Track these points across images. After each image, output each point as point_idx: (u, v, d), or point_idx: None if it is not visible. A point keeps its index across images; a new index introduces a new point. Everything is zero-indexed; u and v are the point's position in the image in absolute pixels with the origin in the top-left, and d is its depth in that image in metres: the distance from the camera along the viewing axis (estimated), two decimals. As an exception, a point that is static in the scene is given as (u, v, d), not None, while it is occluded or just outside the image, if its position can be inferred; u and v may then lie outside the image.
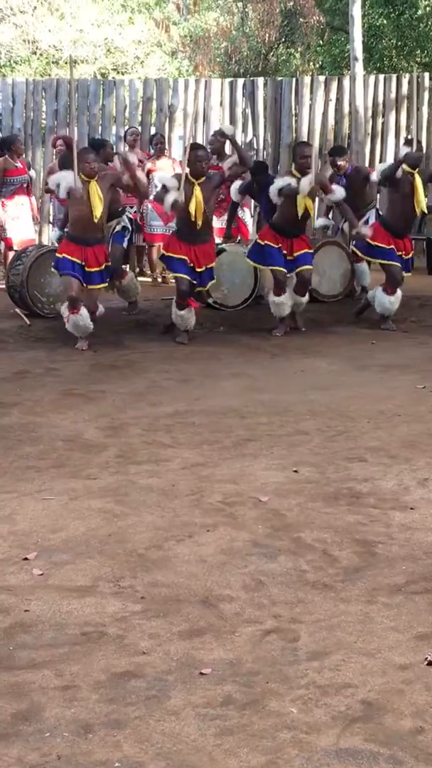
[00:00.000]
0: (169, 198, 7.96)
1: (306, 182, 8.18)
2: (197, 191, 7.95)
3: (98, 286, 8.14)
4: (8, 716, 2.76)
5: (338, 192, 8.71)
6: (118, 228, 9.13)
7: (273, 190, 8.45)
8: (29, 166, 11.76)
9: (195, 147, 8.32)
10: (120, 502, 4.45)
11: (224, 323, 9.02)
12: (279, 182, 8.54)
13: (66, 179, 7.89)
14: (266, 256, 8.57)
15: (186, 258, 8.11)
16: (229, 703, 2.83)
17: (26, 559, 3.82)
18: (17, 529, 4.14)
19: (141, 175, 8.51)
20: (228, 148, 9.71)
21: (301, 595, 3.53)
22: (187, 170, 8.06)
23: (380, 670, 3.01)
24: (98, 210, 7.83)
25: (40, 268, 8.93)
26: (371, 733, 2.68)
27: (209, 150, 9.28)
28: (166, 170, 10.74)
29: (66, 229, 8.30)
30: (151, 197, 10.30)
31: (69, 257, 7.90)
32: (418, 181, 8.48)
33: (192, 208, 7.94)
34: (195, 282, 8.24)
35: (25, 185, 10.76)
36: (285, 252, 8.50)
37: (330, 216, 10.82)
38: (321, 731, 2.69)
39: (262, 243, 8.59)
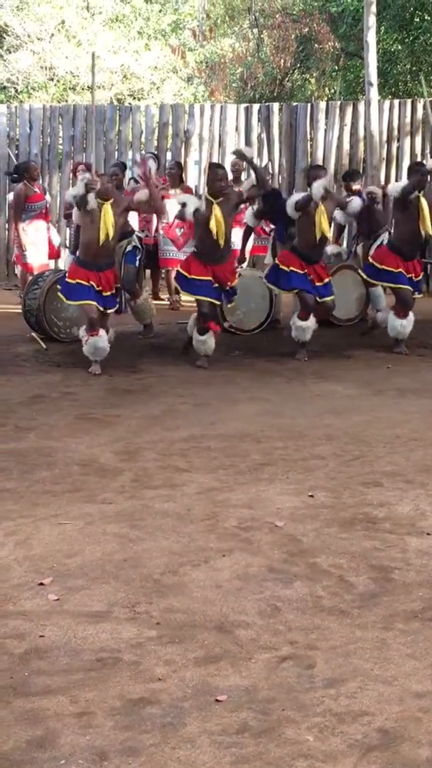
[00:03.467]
0: (190, 206, 8.01)
1: (317, 185, 8.21)
2: (216, 210, 7.98)
3: (112, 310, 8.18)
4: (23, 743, 2.75)
5: (355, 203, 8.77)
6: (129, 248, 9.17)
7: (290, 204, 8.49)
8: (45, 191, 11.86)
9: (214, 166, 8.37)
10: (135, 527, 4.44)
11: (240, 347, 9.03)
12: (294, 196, 8.61)
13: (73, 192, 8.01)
14: (293, 280, 8.57)
15: (211, 279, 8.13)
16: (244, 730, 2.81)
17: (42, 584, 3.82)
18: (33, 553, 4.14)
19: (157, 192, 8.59)
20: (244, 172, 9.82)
21: (317, 622, 3.51)
22: (206, 190, 8.09)
23: (397, 697, 2.99)
24: (110, 234, 7.85)
25: (57, 292, 8.96)
26: (388, 761, 2.66)
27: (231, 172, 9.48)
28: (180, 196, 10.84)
29: (77, 254, 8.35)
30: (163, 222, 10.39)
31: (82, 282, 7.93)
32: (424, 203, 8.51)
33: (213, 226, 7.96)
34: (219, 302, 8.29)
35: (43, 210, 10.84)
36: (312, 277, 8.53)
37: (345, 242, 10.87)
38: (337, 760, 2.67)
39: (287, 269, 8.58)
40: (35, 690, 3.04)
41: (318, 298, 8.55)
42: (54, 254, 11.17)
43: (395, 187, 8.73)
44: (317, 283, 8.55)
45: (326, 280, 8.62)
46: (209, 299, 8.15)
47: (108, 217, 7.83)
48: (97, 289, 7.96)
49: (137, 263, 9.30)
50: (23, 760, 2.67)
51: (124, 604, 3.64)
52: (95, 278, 7.96)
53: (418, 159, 13.64)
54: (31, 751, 2.71)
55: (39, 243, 10.71)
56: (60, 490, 4.99)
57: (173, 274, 11.23)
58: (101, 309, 7.99)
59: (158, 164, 11.66)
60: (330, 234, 8.83)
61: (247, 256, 10.43)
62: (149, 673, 3.14)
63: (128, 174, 13.07)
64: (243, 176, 10.88)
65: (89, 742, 2.76)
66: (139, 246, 9.36)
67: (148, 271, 11.32)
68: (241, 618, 3.53)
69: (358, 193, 9.62)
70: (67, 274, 8.23)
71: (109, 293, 8.06)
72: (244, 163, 9.79)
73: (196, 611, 3.59)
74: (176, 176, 11.26)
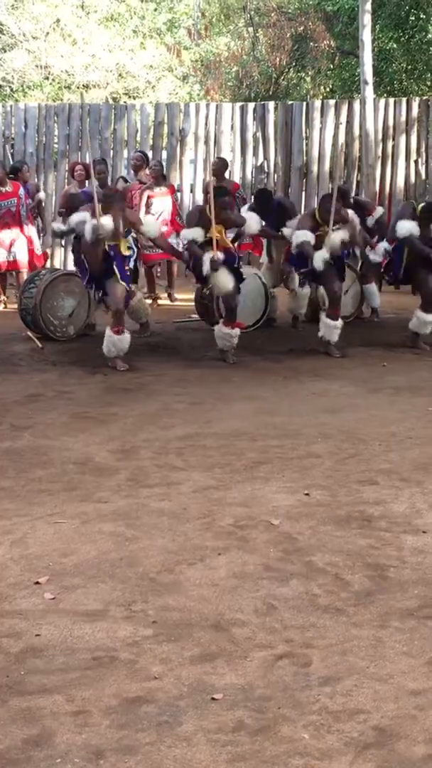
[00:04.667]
0: (206, 259, 8.07)
1: (337, 239, 8.24)
2: (222, 238, 8.20)
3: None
4: (19, 741, 2.75)
5: (335, 239, 8.53)
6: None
7: (295, 242, 8.49)
8: (38, 189, 11.89)
9: (221, 194, 8.40)
10: (131, 526, 4.44)
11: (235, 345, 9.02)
12: (299, 235, 8.49)
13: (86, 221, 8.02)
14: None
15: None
16: (240, 728, 2.82)
17: (38, 583, 3.82)
18: (29, 552, 4.14)
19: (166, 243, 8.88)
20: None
21: (313, 620, 3.52)
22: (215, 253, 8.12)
23: (393, 695, 3.00)
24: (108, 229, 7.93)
25: (54, 291, 8.97)
26: (384, 759, 2.66)
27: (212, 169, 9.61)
28: (162, 197, 10.88)
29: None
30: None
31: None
32: None
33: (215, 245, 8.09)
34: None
35: (13, 209, 10.88)
36: None
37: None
38: (333, 758, 2.67)
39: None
40: (31, 689, 3.04)
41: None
42: (41, 260, 11.19)
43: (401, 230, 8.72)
44: None
45: None
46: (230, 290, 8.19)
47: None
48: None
49: (131, 263, 9.29)
50: (19, 758, 2.67)
51: (120, 602, 3.65)
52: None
53: (413, 157, 13.69)
54: (27, 749, 2.71)
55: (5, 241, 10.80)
56: (56, 488, 4.99)
57: (156, 269, 11.32)
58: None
59: (146, 162, 11.67)
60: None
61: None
62: (145, 671, 3.14)
63: (123, 173, 13.10)
64: (226, 174, 11.02)
65: (85, 740, 2.76)
66: (134, 247, 9.36)
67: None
68: (237, 616, 3.54)
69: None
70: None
71: None
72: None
73: (192, 610, 3.59)
74: (159, 175, 11.25)
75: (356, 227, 8.64)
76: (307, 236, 8.35)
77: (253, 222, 8.75)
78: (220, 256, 8.01)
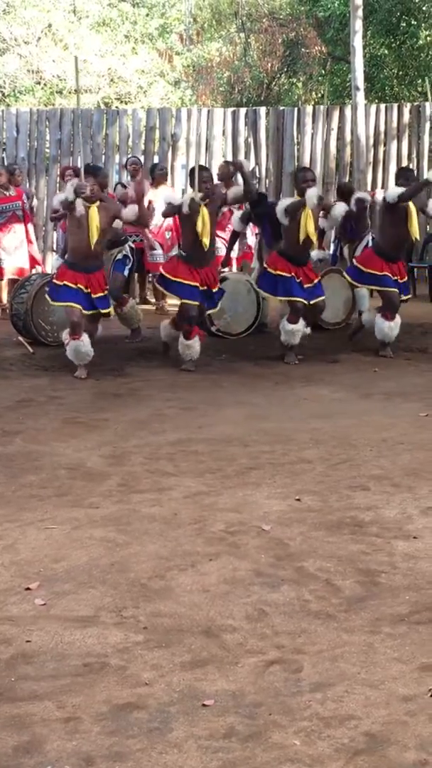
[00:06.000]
0: (186, 198, 8.01)
1: (312, 192, 8.22)
2: (204, 211, 7.99)
3: (107, 311, 8.17)
4: (9, 749, 2.74)
5: (339, 207, 8.78)
6: (119, 256, 9.19)
7: (280, 209, 8.48)
8: (31, 195, 11.88)
9: (201, 169, 8.38)
10: (122, 531, 4.44)
11: (227, 351, 9.04)
12: (284, 201, 8.62)
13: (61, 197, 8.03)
14: (281, 286, 8.56)
15: (197, 284, 8.13)
16: (231, 735, 2.81)
17: (28, 588, 3.81)
18: (19, 558, 4.13)
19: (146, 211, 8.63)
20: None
21: (304, 626, 3.51)
22: (195, 191, 8.06)
23: (384, 701, 2.99)
24: (94, 238, 7.83)
25: (45, 296, 8.96)
26: (375, 765, 2.66)
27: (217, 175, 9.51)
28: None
29: (65, 257, 8.36)
30: (152, 225, 10.43)
31: (70, 284, 7.92)
32: (412, 207, 8.54)
33: (199, 226, 7.97)
34: (206, 306, 8.29)
35: (18, 213, 10.88)
36: (300, 279, 8.53)
37: (331, 247, 10.92)
38: (324, 764, 2.67)
39: (275, 273, 8.58)
40: (21, 695, 3.03)
41: (308, 301, 8.55)
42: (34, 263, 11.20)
43: (393, 193, 8.67)
44: (306, 285, 8.55)
45: (315, 280, 8.63)
46: (195, 302, 8.14)
47: (94, 220, 7.82)
48: (86, 291, 7.96)
49: (126, 272, 9.31)
50: (9, 766, 2.66)
51: (111, 608, 3.64)
52: (84, 280, 7.95)
53: (404, 163, 13.72)
54: (17, 756, 2.70)
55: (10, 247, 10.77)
56: (47, 494, 4.98)
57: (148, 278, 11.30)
58: (86, 312, 7.98)
59: (141, 167, 11.68)
60: (315, 237, 8.85)
61: (234, 262, 10.45)
62: (136, 677, 3.14)
63: (115, 178, 13.10)
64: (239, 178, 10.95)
65: (76, 747, 2.75)
66: (130, 256, 9.38)
67: (136, 274, 11.33)
68: (228, 622, 3.53)
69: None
70: (55, 276, 8.22)
71: (100, 294, 8.05)
72: (231, 169, 9.83)
73: (183, 616, 3.58)
74: (162, 179, 11.25)
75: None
76: (288, 200, 8.48)
77: (235, 189, 8.72)
78: (199, 195, 7.96)
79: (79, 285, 7.93)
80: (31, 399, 7.14)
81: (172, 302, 11.02)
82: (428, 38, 17.66)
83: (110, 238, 8.56)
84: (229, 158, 13.86)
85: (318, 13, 17.60)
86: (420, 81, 18.24)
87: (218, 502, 4.86)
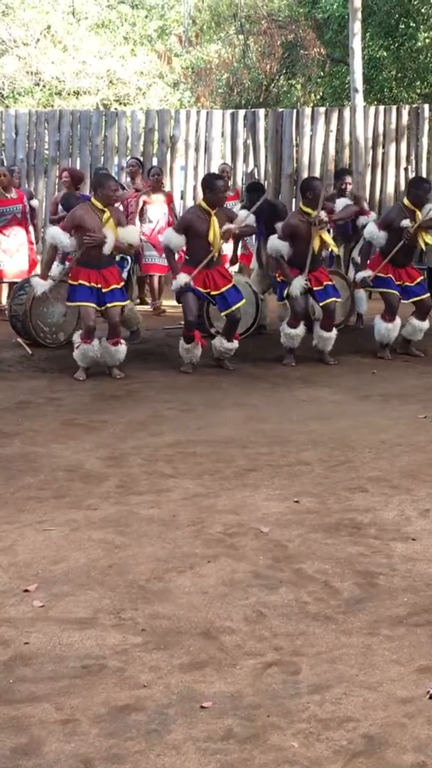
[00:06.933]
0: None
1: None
2: (214, 221, 8.03)
3: (121, 303, 8.16)
4: (7, 751, 2.74)
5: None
6: (117, 258, 9.17)
7: (275, 242, 8.59)
8: (31, 196, 11.86)
9: (214, 177, 8.40)
10: (121, 533, 4.44)
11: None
12: (280, 231, 8.70)
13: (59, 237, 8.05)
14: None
15: (200, 288, 8.15)
16: (230, 737, 2.81)
17: (27, 590, 3.81)
18: (18, 560, 4.13)
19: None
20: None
21: (303, 627, 3.51)
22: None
23: (382, 703, 2.99)
24: (111, 241, 7.89)
25: (43, 297, 8.96)
26: (373, 767, 2.66)
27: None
28: (159, 205, 10.89)
29: (76, 256, 8.35)
30: (146, 228, 10.47)
31: (85, 283, 7.95)
32: (419, 215, 8.55)
33: (211, 237, 8.02)
34: (215, 305, 8.36)
35: (18, 216, 10.87)
36: (310, 283, 8.55)
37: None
38: (322, 766, 2.67)
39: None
40: (20, 697, 3.03)
41: (319, 302, 8.62)
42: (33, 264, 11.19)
43: (368, 232, 8.88)
44: (315, 288, 8.57)
45: (326, 283, 8.64)
46: (195, 307, 8.17)
47: (111, 225, 7.89)
48: (98, 286, 7.98)
49: (124, 274, 9.31)
50: (7, 767, 2.66)
51: (109, 610, 3.64)
52: (96, 276, 7.98)
53: (403, 165, 13.74)
54: (15, 758, 2.70)
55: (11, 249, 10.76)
56: (45, 496, 4.98)
57: (156, 279, 11.27)
58: (99, 308, 8.00)
59: (141, 168, 11.68)
60: (332, 243, 9.03)
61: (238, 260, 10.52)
62: (134, 679, 3.14)
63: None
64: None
65: (74, 749, 2.75)
66: (128, 258, 9.37)
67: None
68: (227, 624, 3.53)
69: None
70: (70, 277, 8.20)
71: (114, 286, 8.07)
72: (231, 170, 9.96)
73: (181, 617, 3.58)
74: (159, 182, 11.25)
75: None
76: (284, 248, 8.49)
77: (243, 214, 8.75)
78: (186, 279, 8.04)
79: (92, 282, 7.97)
80: (30, 400, 7.14)
81: (169, 303, 11.05)
82: (427, 40, 17.67)
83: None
84: (228, 160, 13.90)
85: (317, 15, 17.61)
86: (419, 83, 18.28)
87: (217, 503, 4.86)
